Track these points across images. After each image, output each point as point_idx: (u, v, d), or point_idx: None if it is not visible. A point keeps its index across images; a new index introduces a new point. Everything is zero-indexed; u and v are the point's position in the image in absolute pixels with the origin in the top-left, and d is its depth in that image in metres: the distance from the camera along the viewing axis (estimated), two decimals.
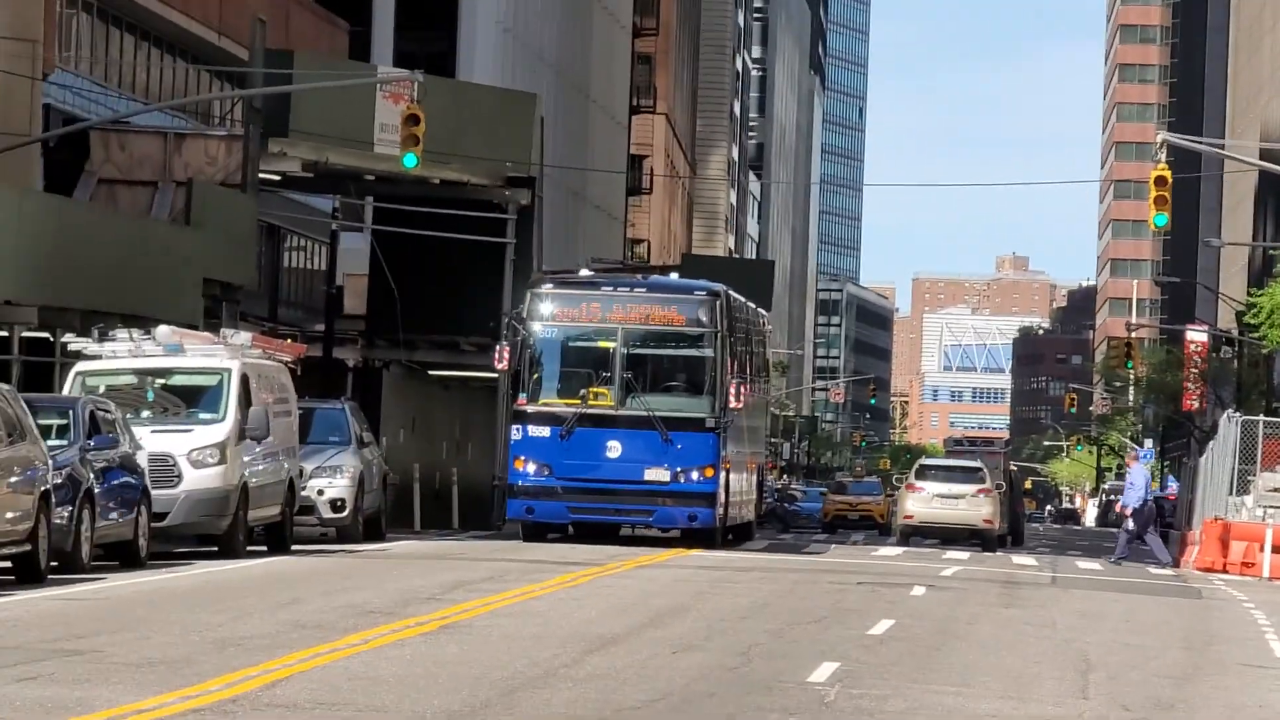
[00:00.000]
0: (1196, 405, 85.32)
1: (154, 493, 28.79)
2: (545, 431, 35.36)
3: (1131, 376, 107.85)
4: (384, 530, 38.75)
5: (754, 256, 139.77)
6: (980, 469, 57.31)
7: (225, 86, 53.07)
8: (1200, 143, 70.47)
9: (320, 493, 36.21)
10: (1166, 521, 60.47)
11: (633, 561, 31.80)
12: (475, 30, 72.99)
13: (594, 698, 15.55)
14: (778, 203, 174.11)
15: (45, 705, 14.51)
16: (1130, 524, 45.31)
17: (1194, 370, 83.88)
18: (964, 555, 45.88)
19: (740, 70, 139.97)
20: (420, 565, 30.23)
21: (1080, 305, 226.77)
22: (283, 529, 32.85)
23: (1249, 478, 44.03)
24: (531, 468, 35.31)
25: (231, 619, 20.85)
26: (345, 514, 36.61)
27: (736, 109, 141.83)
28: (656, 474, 35.25)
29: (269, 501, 32.00)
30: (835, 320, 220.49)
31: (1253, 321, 66.93)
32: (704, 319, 35.82)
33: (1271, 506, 42.14)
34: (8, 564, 24.33)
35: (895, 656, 19.98)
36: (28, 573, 23.93)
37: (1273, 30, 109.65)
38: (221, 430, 30.63)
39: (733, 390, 35.52)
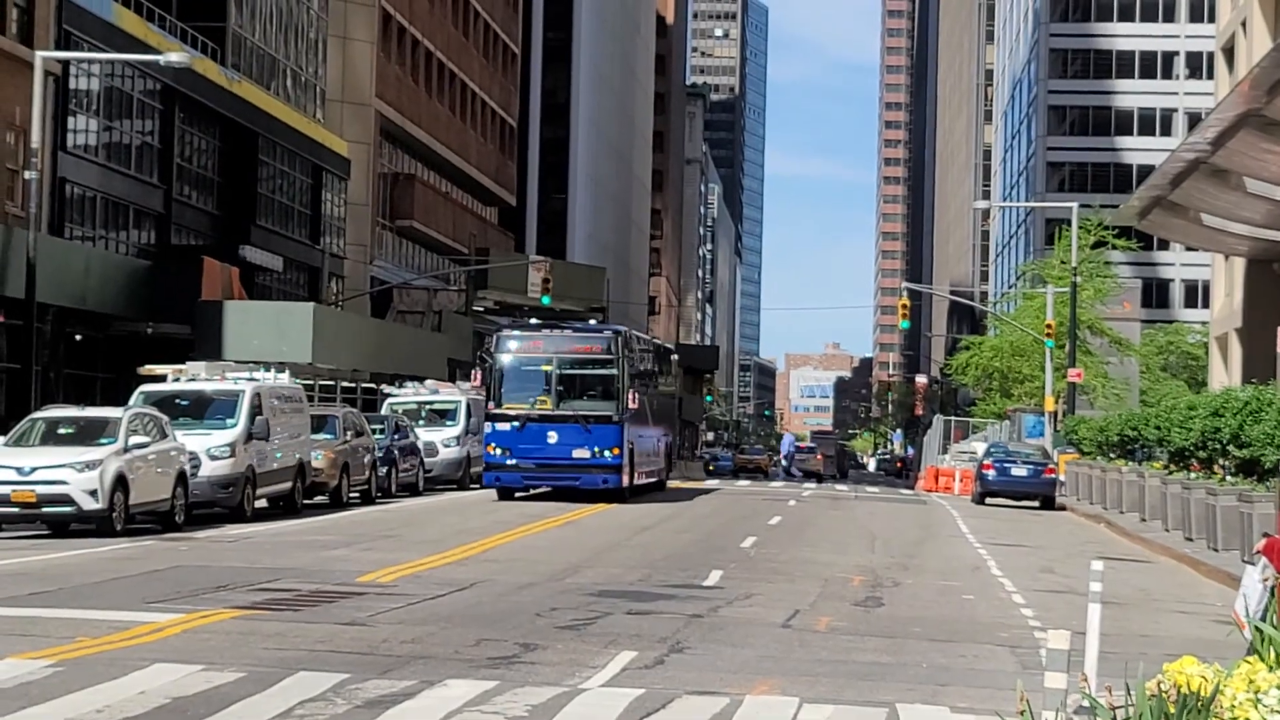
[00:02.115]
0: (921, 412, 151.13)
1: (426, 460, 51.64)
2: (507, 426, 45.65)
3: (890, 398, 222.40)
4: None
5: (709, 344, 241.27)
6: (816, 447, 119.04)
7: (454, 265, 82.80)
8: (921, 287, 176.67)
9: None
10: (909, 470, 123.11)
11: (601, 506, 43.93)
12: (577, 188, 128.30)
13: (639, 554, 29.85)
14: (721, 319, 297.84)
15: (378, 561, 26.60)
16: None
17: (919, 395, 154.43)
18: (814, 485, 79.57)
19: (701, 255, 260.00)
20: (499, 504, 47.65)
21: (865, 366, 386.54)
22: (464, 483, 54.83)
23: (948, 445, 76.55)
24: (498, 451, 45.62)
25: (458, 520, 37.38)
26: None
27: (700, 273, 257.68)
28: (581, 453, 45.44)
29: (478, 464, 52.65)
30: (748, 373, 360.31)
31: (948, 372, 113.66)
32: (609, 349, 46.24)
33: (958, 458, 70.26)
34: (358, 495, 43.36)
35: (782, 534, 36.85)
36: (366, 498, 44.24)
37: (946, 210, 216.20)
38: (457, 429, 55.29)
39: (630, 396, 46.01)
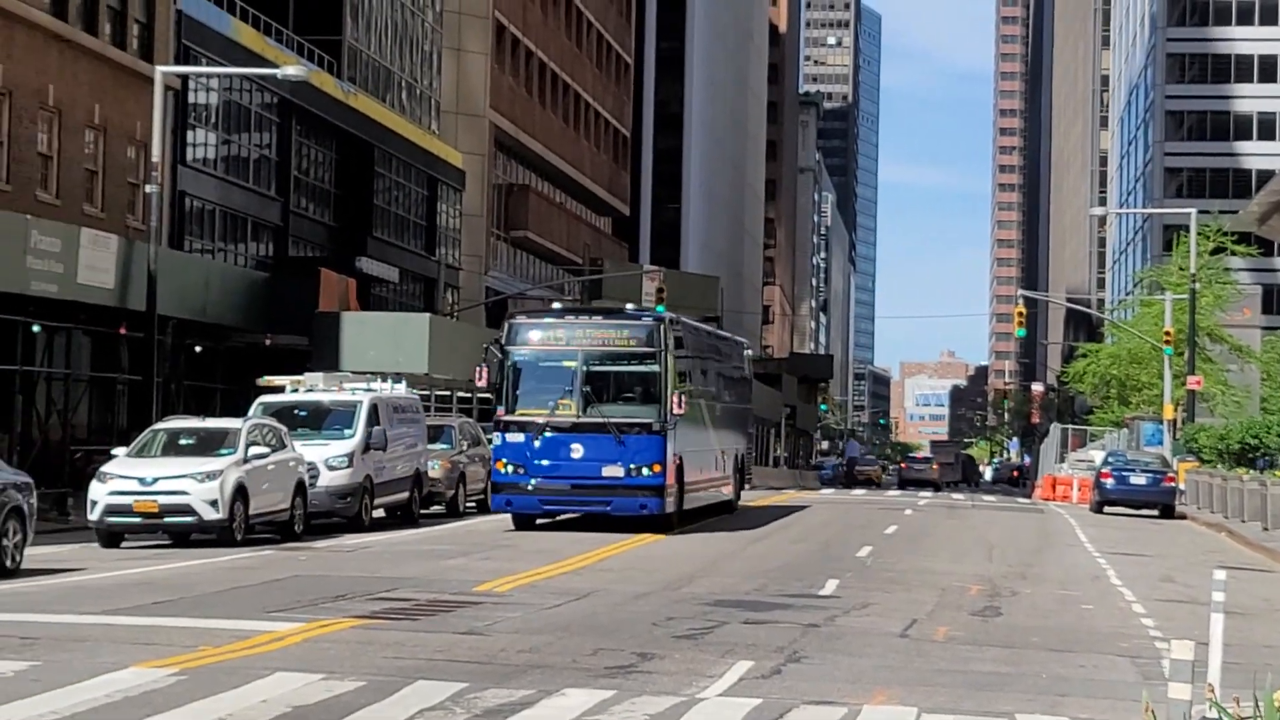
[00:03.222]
0: (1038, 420, 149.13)
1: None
2: (520, 437, 36.72)
3: (1006, 406, 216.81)
4: None
5: (823, 352, 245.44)
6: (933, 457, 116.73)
7: (568, 276, 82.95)
8: (1037, 294, 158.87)
9: None
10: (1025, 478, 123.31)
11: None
12: (691, 198, 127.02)
13: (752, 565, 29.84)
14: (835, 327, 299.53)
15: (494, 570, 26.54)
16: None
17: (1036, 403, 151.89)
18: (930, 494, 78.75)
19: (815, 264, 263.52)
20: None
21: (981, 374, 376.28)
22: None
23: (1065, 454, 75.32)
24: (509, 468, 36.78)
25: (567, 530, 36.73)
26: None
27: (814, 281, 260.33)
28: (612, 470, 36.50)
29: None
30: (863, 382, 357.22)
31: (1065, 380, 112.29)
32: (649, 341, 37.17)
33: (1076, 466, 68.96)
34: (474, 505, 43.32)
35: (898, 543, 36.91)
36: (482, 508, 43.37)
37: (1062, 218, 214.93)
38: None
39: (676, 399, 36.79)
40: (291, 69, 46.06)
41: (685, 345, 39.13)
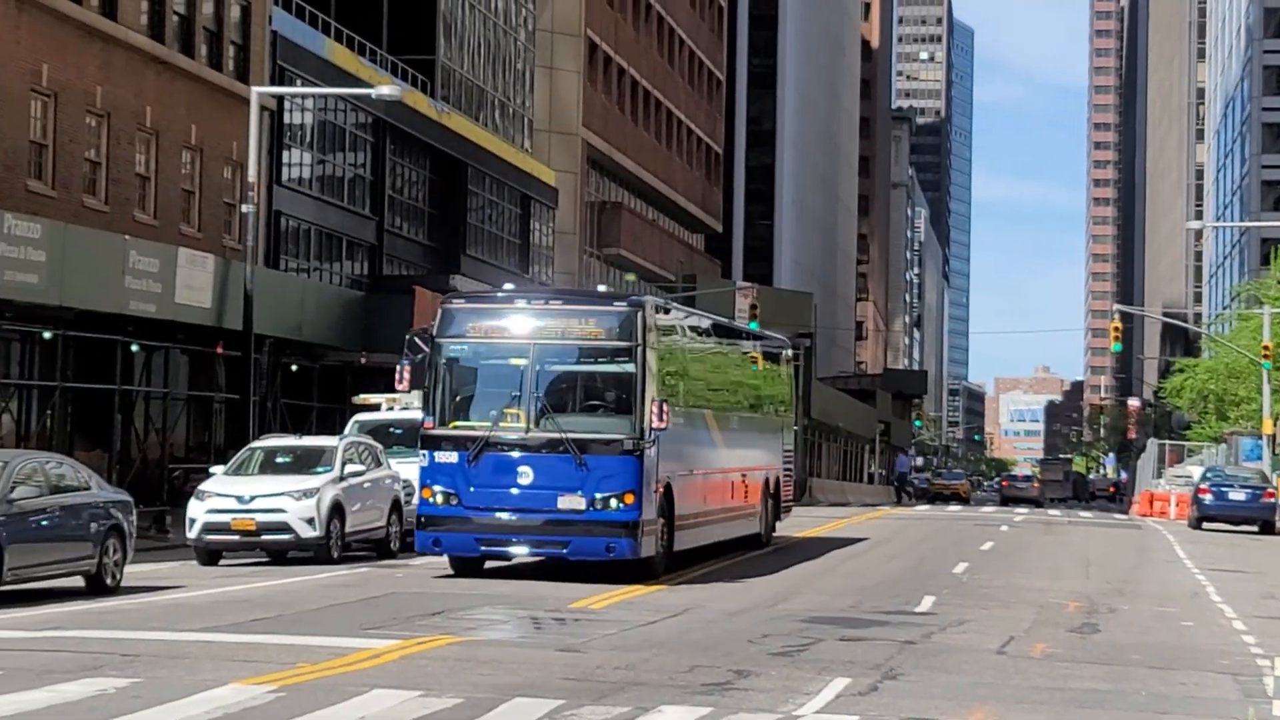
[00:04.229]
0: (1134, 435, 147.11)
1: None
2: (453, 457, 28.48)
3: (1102, 421, 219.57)
4: None
5: (917, 368, 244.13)
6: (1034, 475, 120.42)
7: (661, 293, 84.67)
8: (1133, 309, 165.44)
9: None
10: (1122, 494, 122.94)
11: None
12: (783, 214, 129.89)
13: (849, 581, 30.08)
14: (928, 343, 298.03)
15: (589, 588, 27.36)
16: None
17: (1132, 419, 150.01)
18: (1026, 510, 78.55)
19: (908, 279, 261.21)
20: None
21: (1076, 389, 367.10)
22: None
23: (1162, 469, 74.93)
24: (439, 496, 28.51)
25: None
26: None
27: (907, 297, 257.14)
28: (570, 502, 28.13)
29: None
30: (957, 397, 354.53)
31: (1162, 395, 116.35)
32: (622, 332, 28.68)
33: (1173, 482, 68.57)
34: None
35: (994, 560, 36.76)
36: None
37: (1157, 231, 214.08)
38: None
39: (655, 409, 28.37)
40: (385, 89, 46.32)
41: (677, 340, 31.75)
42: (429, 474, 28.73)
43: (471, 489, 28.45)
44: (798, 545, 40.18)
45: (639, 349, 28.71)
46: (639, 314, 28.99)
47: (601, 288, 35.44)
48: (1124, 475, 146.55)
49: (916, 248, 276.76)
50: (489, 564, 30.13)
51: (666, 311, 31.40)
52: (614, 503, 28.24)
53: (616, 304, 29.73)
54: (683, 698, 16.15)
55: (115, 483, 35.29)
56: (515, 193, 77.07)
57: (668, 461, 29.63)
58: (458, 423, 28.89)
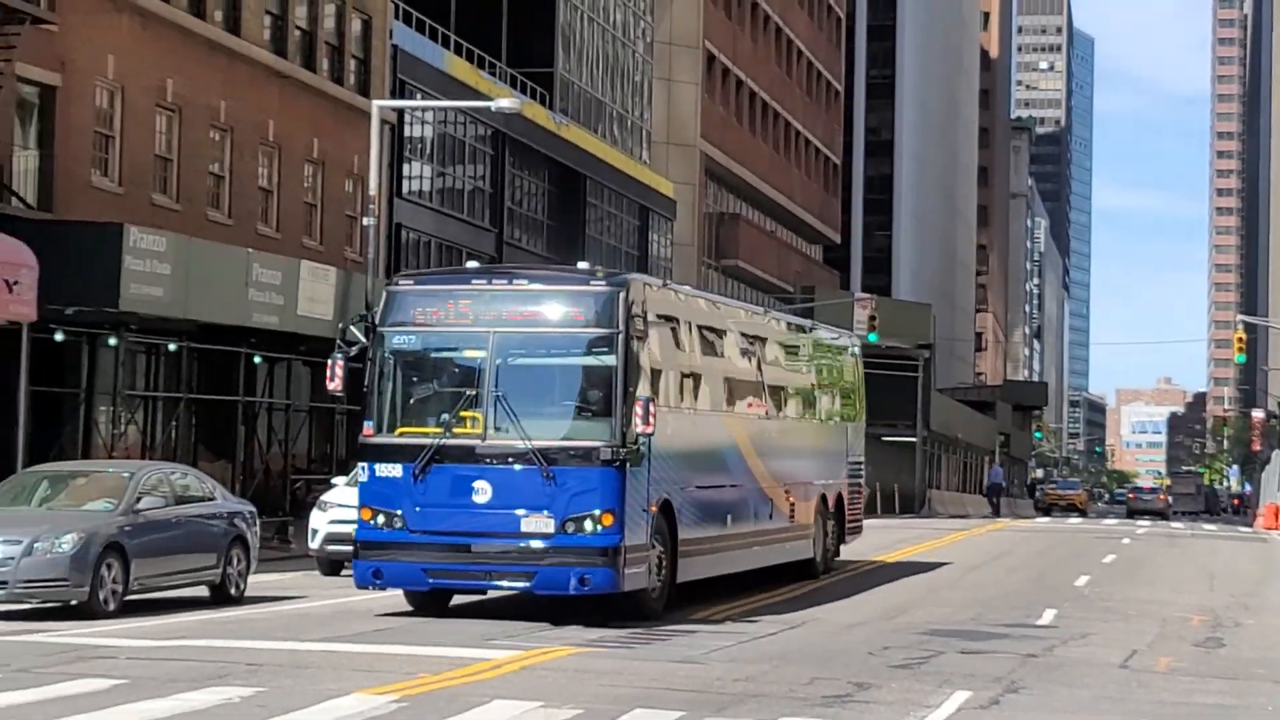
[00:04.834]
0: (1259, 447, 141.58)
1: None
2: (397, 471, 23.76)
3: (1225, 433, 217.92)
4: None
5: (1037, 380, 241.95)
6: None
7: (779, 304, 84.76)
8: (1257, 319, 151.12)
9: None
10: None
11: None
12: (902, 225, 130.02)
13: (970, 593, 30.07)
14: (1049, 354, 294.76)
15: (709, 598, 27.71)
16: None
17: (1256, 430, 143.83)
18: (1148, 523, 78.69)
19: (1028, 290, 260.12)
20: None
21: (1199, 400, 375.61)
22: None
23: None
24: (379, 518, 23.77)
25: None
26: None
27: (1027, 308, 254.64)
28: (536, 524, 23.30)
29: None
30: (1078, 409, 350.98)
31: None
32: (601, 317, 23.73)
33: None
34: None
35: (1117, 573, 36.38)
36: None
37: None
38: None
39: (640, 409, 23.14)
40: (505, 101, 46.49)
41: (682, 328, 26.41)
42: (368, 492, 23.86)
43: (418, 509, 23.45)
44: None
45: (620, 337, 23.50)
46: (621, 295, 23.76)
47: (582, 264, 28.03)
48: (1248, 488, 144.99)
49: (1036, 258, 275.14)
50: (458, 599, 25.40)
51: (657, 289, 25.77)
52: (589, 524, 23.01)
53: (594, 283, 24.22)
54: (803, 710, 16.13)
55: (238, 493, 35.58)
56: (633, 204, 77.21)
57: (667, 474, 24.73)
58: (404, 429, 24.02)
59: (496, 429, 23.45)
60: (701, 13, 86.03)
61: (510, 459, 23.36)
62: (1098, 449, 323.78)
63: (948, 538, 50.17)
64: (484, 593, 25.30)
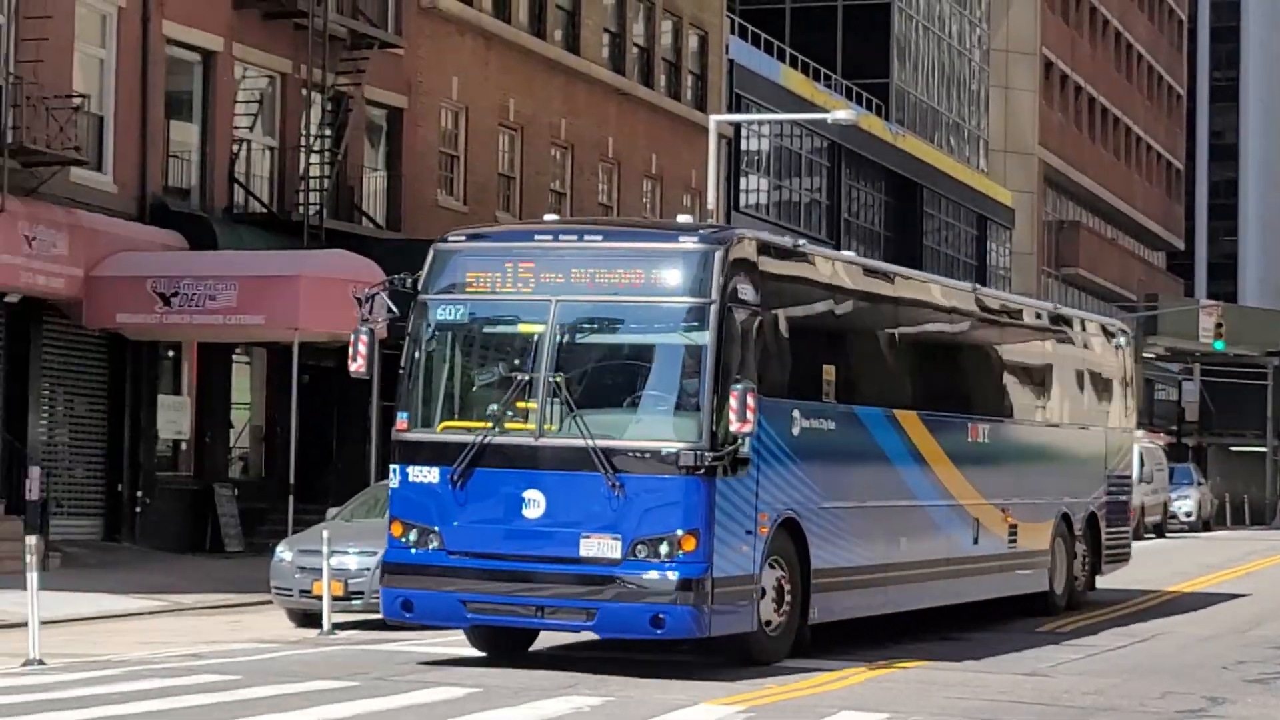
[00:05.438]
0: None
1: None
2: (432, 475, 18.90)
3: None
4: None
5: None
6: None
7: (1121, 312, 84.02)
8: None
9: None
10: None
11: None
12: (1248, 230, 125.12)
13: None
14: None
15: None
16: None
17: None
18: None
19: None
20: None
21: None
22: (1163, 527, 56.18)
23: None
24: (412, 534, 18.95)
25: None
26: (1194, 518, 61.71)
27: None
28: (599, 546, 18.31)
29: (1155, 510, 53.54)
30: None
31: None
32: (690, 283, 18.52)
33: None
34: None
35: None
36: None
37: None
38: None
39: (736, 402, 17.89)
40: (841, 113, 46.56)
41: (819, 298, 20.96)
42: (400, 501, 19.13)
43: (456, 524, 18.72)
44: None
45: (713, 309, 18.34)
46: (718, 256, 18.58)
47: (684, 217, 24.75)
48: None
49: None
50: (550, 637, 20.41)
51: (770, 251, 19.93)
52: (664, 549, 18.10)
53: (685, 239, 19.02)
54: None
55: None
56: (971, 214, 76.63)
57: (794, 484, 19.71)
58: (449, 423, 19.19)
59: (554, 424, 18.48)
60: (1039, 19, 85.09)
61: (569, 463, 18.38)
62: None
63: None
64: (518, 629, 19.49)
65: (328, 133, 37.20)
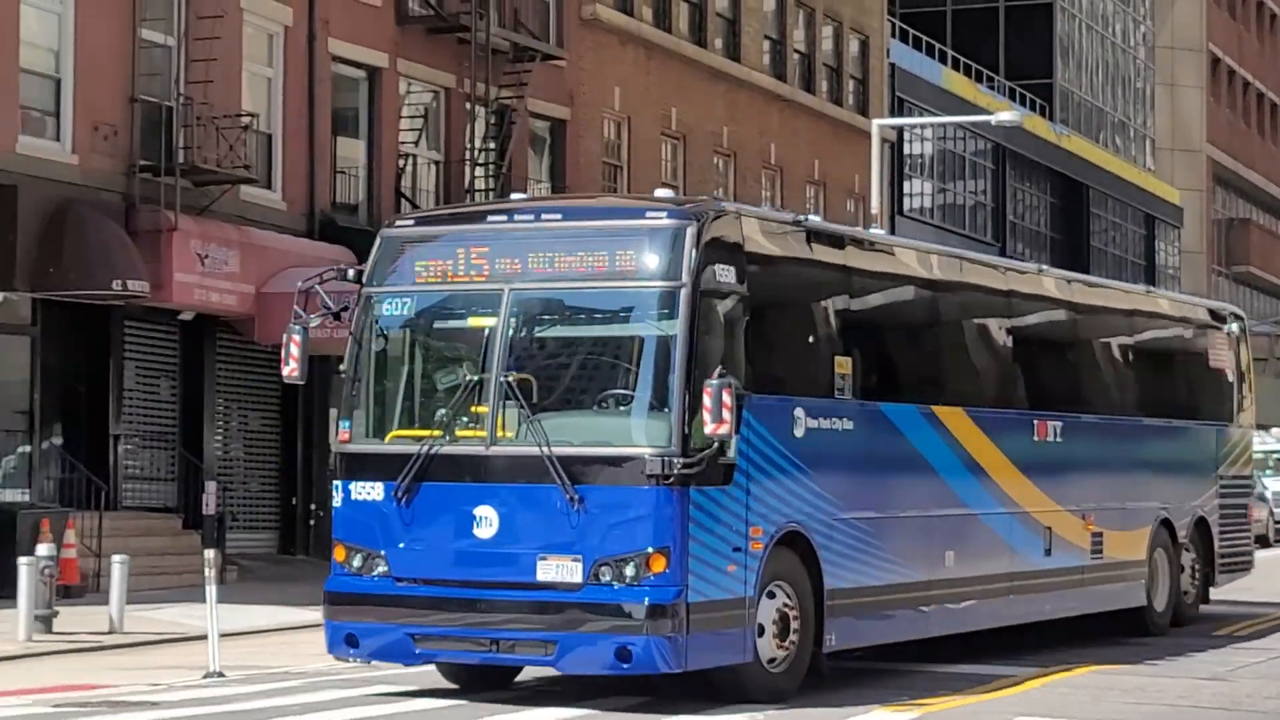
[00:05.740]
0: None
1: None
2: (376, 492, 16.52)
3: None
4: None
5: None
6: None
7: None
8: None
9: None
10: None
11: None
12: None
13: None
14: None
15: (1230, 615, 26.33)
16: None
17: None
18: None
19: None
20: None
21: None
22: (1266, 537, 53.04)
23: None
24: (356, 559, 16.56)
25: None
26: None
27: None
28: (558, 569, 15.77)
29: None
30: None
31: None
32: (656, 264, 15.98)
33: None
34: None
35: None
36: None
37: None
38: None
39: (711, 401, 15.25)
40: (1005, 115, 46.23)
41: (825, 280, 18.08)
42: (342, 521, 16.84)
43: (402, 546, 16.38)
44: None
45: (684, 293, 15.79)
46: (689, 233, 16.00)
47: (661, 192, 18.26)
48: None
49: None
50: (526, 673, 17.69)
51: (788, 230, 17.76)
52: (630, 570, 15.55)
53: (652, 215, 16.45)
54: None
55: None
56: (1138, 213, 75.83)
57: (800, 492, 17.03)
58: (398, 432, 16.84)
59: (509, 431, 16.10)
60: (1204, 15, 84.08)
61: (524, 475, 15.94)
62: None
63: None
64: (477, 666, 16.91)
65: (492, 145, 37.50)
